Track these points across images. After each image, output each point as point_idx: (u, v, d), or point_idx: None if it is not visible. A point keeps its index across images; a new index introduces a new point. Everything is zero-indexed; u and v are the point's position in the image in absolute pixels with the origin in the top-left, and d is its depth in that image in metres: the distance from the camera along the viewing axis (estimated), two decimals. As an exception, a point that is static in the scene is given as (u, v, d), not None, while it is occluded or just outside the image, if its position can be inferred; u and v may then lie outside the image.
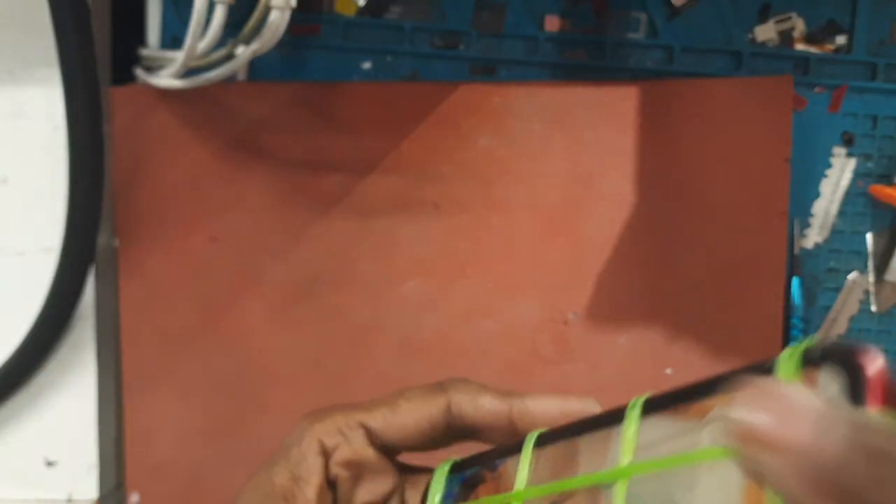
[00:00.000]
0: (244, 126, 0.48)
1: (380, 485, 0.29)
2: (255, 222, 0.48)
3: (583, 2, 0.49)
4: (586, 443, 0.24)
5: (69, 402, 0.48)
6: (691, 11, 0.50)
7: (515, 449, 0.26)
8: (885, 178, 0.51)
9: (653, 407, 0.22)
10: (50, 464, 0.48)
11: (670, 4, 0.49)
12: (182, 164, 0.48)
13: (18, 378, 0.47)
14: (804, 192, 0.50)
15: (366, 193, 0.48)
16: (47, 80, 0.46)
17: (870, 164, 0.51)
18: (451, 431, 0.28)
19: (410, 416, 0.28)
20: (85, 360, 0.48)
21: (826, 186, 0.51)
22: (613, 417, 0.23)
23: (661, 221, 0.49)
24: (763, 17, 0.50)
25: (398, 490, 0.29)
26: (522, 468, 0.26)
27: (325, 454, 0.28)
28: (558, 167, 0.49)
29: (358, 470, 0.28)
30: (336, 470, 0.28)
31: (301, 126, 0.48)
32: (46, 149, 0.47)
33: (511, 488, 0.26)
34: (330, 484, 0.28)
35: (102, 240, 0.47)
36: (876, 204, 0.51)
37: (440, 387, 0.29)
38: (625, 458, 0.22)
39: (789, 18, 0.50)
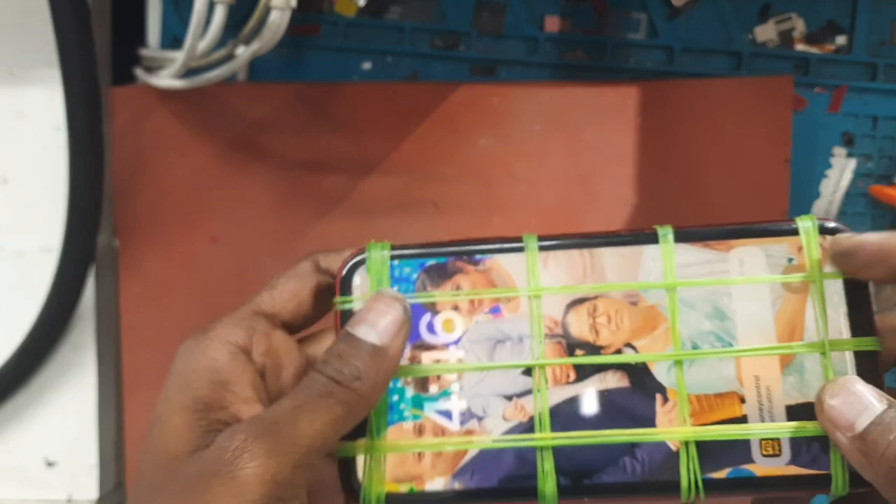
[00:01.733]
0: (244, 126, 0.48)
1: (296, 363, 0.29)
2: (255, 222, 0.48)
3: (583, 2, 0.49)
4: (612, 255, 0.28)
5: (69, 402, 0.48)
6: (691, 12, 0.50)
7: (502, 247, 0.29)
8: (885, 179, 0.51)
9: (684, 236, 0.28)
10: (50, 464, 0.48)
11: (670, 5, 0.50)
12: (182, 164, 0.48)
13: (18, 378, 0.47)
14: (804, 193, 0.50)
15: (366, 193, 0.48)
16: (47, 81, 0.46)
17: (870, 165, 0.51)
18: (331, 288, 0.29)
19: (289, 286, 0.29)
20: (85, 360, 0.48)
21: (826, 187, 0.51)
22: (643, 237, 0.28)
23: (661, 222, 0.49)
24: (763, 18, 0.50)
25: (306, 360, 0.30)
26: (532, 266, 0.28)
27: (244, 350, 0.27)
28: (558, 167, 0.49)
29: (276, 356, 0.28)
30: (262, 360, 0.28)
31: (301, 126, 0.48)
32: (46, 149, 0.47)
33: (512, 283, 0.28)
34: (261, 376, 0.28)
35: (103, 240, 0.47)
36: (876, 204, 0.51)
37: (302, 259, 0.30)
38: (670, 275, 0.28)
39: (789, 19, 0.50)
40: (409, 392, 0.28)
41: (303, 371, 0.29)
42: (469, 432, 0.28)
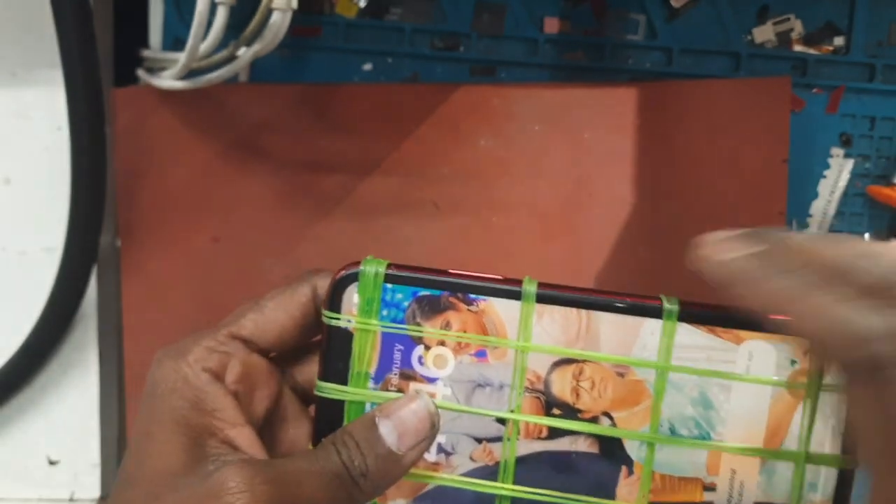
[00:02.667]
0: (245, 127, 0.48)
1: (271, 387, 0.29)
2: (256, 222, 0.48)
3: (582, 3, 0.50)
4: (610, 321, 0.27)
5: (71, 401, 0.48)
6: (690, 13, 0.50)
7: (500, 291, 0.28)
8: (882, 179, 0.51)
9: (691, 317, 0.27)
10: (52, 462, 0.48)
11: (669, 6, 0.50)
12: (184, 164, 0.48)
13: (21, 377, 0.47)
14: (802, 193, 0.51)
15: (366, 194, 0.49)
16: (50, 82, 0.46)
17: (868, 165, 0.51)
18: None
19: (279, 310, 0.28)
20: (87, 359, 0.48)
21: (824, 187, 0.51)
22: (646, 310, 0.27)
23: (660, 222, 0.49)
24: (761, 19, 0.50)
25: (285, 382, 0.29)
26: (526, 318, 0.28)
27: (219, 378, 0.27)
28: (558, 168, 0.49)
29: (252, 381, 0.28)
30: (235, 388, 0.27)
31: (302, 127, 0.48)
32: (49, 149, 0.47)
33: (503, 331, 0.28)
34: (236, 400, 0.27)
35: (104, 240, 0.47)
36: (874, 204, 0.51)
37: (299, 278, 0.29)
38: (665, 354, 0.27)
39: (787, 20, 0.50)
40: None
41: (276, 396, 0.29)
42: (436, 465, 0.28)
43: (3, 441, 0.48)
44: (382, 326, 0.28)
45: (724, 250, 0.24)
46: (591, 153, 0.49)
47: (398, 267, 0.28)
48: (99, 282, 0.48)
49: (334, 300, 0.28)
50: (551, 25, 0.50)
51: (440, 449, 0.28)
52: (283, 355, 0.30)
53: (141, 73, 0.47)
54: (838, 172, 0.51)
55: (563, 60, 0.50)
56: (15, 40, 0.47)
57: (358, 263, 0.28)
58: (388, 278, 0.28)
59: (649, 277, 0.49)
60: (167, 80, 0.44)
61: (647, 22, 0.50)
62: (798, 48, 0.50)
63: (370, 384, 0.28)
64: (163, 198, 0.48)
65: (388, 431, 0.26)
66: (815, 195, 0.51)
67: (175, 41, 0.48)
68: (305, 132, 0.48)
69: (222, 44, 0.41)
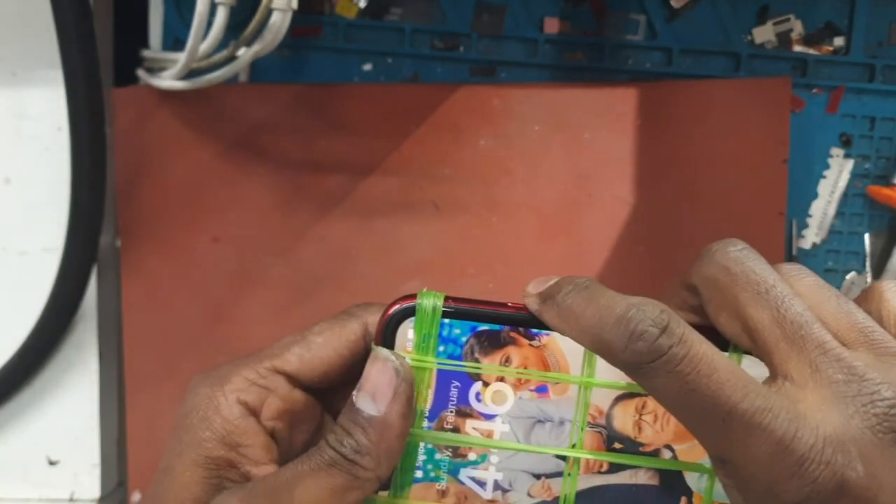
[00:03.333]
0: (246, 127, 0.48)
1: (312, 421, 0.28)
2: (256, 223, 0.48)
3: (582, 4, 0.50)
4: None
5: (71, 401, 0.48)
6: (690, 13, 0.50)
7: None
8: (882, 179, 0.51)
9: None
10: (52, 463, 0.48)
11: (669, 6, 0.50)
12: (184, 164, 0.48)
13: (21, 377, 0.47)
14: (802, 193, 0.51)
15: (366, 194, 0.49)
16: (50, 82, 0.46)
17: (868, 165, 0.51)
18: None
19: (327, 347, 0.28)
20: (87, 359, 0.48)
21: (824, 187, 0.51)
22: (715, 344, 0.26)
23: (660, 222, 0.49)
24: (761, 19, 0.50)
25: (326, 411, 0.29)
26: (591, 355, 0.27)
27: (254, 413, 0.27)
28: (558, 168, 0.49)
29: (291, 417, 0.28)
30: (272, 424, 0.27)
31: (302, 127, 0.48)
32: (49, 150, 0.47)
33: (565, 366, 0.27)
34: (272, 438, 0.27)
35: (104, 240, 0.47)
36: (874, 205, 0.51)
37: (349, 313, 0.28)
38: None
39: (787, 20, 0.50)
40: (440, 454, 0.27)
41: (316, 429, 0.29)
42: (493, 502, 0.27)
43: (3, 441, 0.48)
44: (439, 363, 0.27)
45: (535, 286, 0.27)
46: (591, 153, 0.49)
47: (456, 300, 0.27)
48: (99, 282, 0.48)
49: (387, 338, 0.26)
50: (551, 26, 0.50)
51: (497, 486, 0.27)
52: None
53: (141, 73, 0.47)
54: (838, 173, 0.51)
55: (563, 61, 0.50)
56: (15, 40, 0.47)
57: (413, 297, 0.27)
58: (447, 314, 0.26)
59: (649, 278, 0.49)
60: (167, 80, 0.44)
61: (647, 22, 0.50)
62: (798, 48, 0.50)
63: (424, 423, 0.27)
64: (163, 198, 0.48)
65: (364, 402, 0.25)
66: (815, 195, 0.51)
67: (175, 41, 0.48)
68: (306, 132, 0.48)
69: (222, 44, 0.41)
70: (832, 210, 0.51)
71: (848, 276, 0.51)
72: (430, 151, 0.49)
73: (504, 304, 0.27)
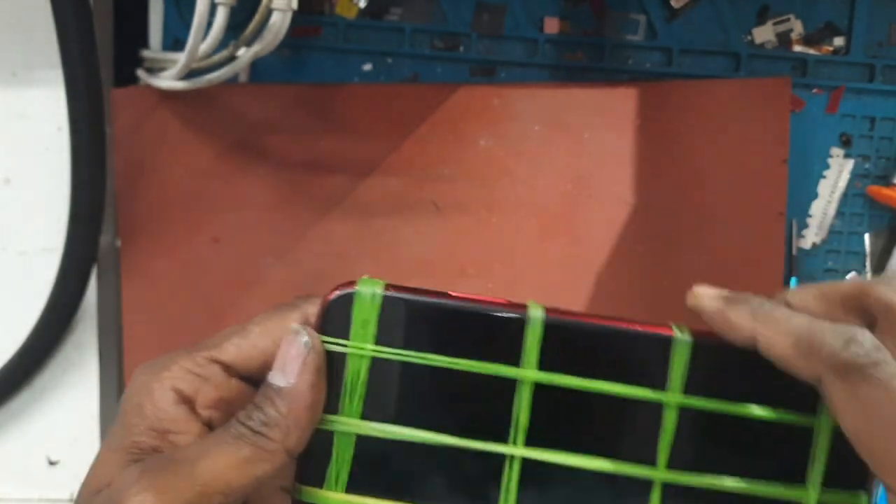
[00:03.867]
0: (245, 127, 0.48)
1: None
2: (256, 223, 0.48)
3: (582, 3, 0.50)
4: (616, 350, 0.26)
5: (71, 401, 0.48)
6: (690, 13, 0.50)
7: (501, 316, 0.26)
8: (882, 179, 0.51)
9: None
10: (52, 463, 0.48)
11: (669, 6, 0.50)
12: (184, 164, 0.48)
13: (21, 378, 0.47)
14: (802, 193, 0.51)
15: (366, 194, 0.49)
16: (50, 82, 0.46)
17: (867, 165, 0.51)
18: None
19: (265, 337, 0.27)
20: (87, 359, 0.48)
21: (824, 187, 0.51)
22: (658, 342, 0.25)
23: (660, 222, 0.49)
24: (761, 19, 0.50)
25: None
26: (531, 346, 0.26)
27: (188, 401, 0.26)
28: (558, 168, 0.49)
29: (228, 406, 0.27)
30: (208, 413, 0.26)
31: (302, 127, 0.48)
32: (49, 150, 0.47)
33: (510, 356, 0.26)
34: (207, 427, 0.27)
35: (104, 240, 0.47)
36: (874, 205, 0.51)
37: (290, 304, 0.28)
38: (676, 392, 0.25)
39: (787, 20, 0.50)
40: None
41: None
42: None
43: (3, 441, 0.48)
44: (375, 351, 0.26)
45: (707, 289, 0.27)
46: (591, 153, 0.49)
47: (396, 288, 0.26)
48: (99, 282, 0.48)
49: (326, 324, 0.26)
50: (551, 26, 0.50)
51: None
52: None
53: (141, 73, 0.47)
54: (838, 173, 0.51)
55: (563, 61, 0.50)
56: (15, 40, 0.47)
57: (353, 283, 0.26)
58: (386, 301, 0.26)
59: (649, 278, 0.49)
60: (167, 81, 0.44)
61: (647, 22, 0.50)
62: (798, 48, 0.50)
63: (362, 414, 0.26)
64: (163, 198, 0.48)
65: (275, 376, 0.25)
66: (815, 195, 0.51)
67: (175, 41, 0.48)
68: (305, 132, 0.48)
69: (222, 44, 0.41)
70: (832, 210, 0.51)
71: (848, 276, 0.51)
72: (430, 151, 0.49)
73: (445, 294, 0.26)
